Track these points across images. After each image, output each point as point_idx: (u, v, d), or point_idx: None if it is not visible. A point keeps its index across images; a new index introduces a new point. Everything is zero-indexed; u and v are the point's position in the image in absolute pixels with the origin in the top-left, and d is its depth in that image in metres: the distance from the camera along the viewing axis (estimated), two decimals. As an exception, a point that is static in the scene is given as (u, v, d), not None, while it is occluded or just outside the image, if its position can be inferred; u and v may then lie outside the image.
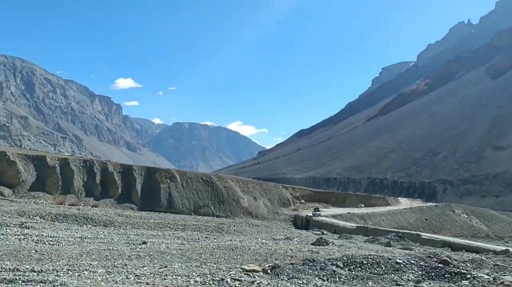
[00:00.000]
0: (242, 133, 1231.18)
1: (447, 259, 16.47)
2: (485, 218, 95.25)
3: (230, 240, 26.73)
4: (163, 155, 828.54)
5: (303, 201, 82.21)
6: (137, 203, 58.80)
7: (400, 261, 15.35)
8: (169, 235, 27.78)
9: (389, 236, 36.67)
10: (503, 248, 32.48)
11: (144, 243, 20.53)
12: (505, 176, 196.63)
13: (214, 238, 28.13)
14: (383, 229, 47.13)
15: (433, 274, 14.06)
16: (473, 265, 16.38)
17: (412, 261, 15.62)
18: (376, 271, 14.32)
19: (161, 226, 33.77)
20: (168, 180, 62.86)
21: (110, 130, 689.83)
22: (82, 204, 54.28)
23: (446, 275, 13.66)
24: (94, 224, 30.77)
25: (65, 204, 52.16)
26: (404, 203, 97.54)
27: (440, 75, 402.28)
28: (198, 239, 26.59)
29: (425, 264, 15.41)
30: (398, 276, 13.61)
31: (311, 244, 27.35)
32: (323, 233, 43.82)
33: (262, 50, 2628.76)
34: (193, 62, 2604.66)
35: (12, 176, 53.84)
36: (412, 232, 45.67)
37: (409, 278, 13.51)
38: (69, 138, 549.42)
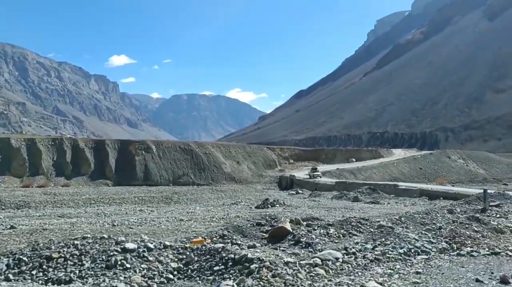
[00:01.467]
0: (241, 100, 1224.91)
1: (285, 226, 10.34)
2: (483, 162, 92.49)
3: (170, 212, 24.15)
4: (165, 128, 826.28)
5: (292, 161, 79.76)
6: (112, 179, 56.59)
7: (152, 247, 9.30)
8: (88, 211, 25.21)
9: (360, 190, 33.88)
10: (480, 190, 29.81)
11: (12, 227, 17.93)
12: (506, 118, 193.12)
13: (151, 210, 25.61)
14: (361, 182, 44.57)
15: (196, 265, 8.20)
16: (343, 231, 10.44)
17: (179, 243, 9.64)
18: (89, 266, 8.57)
19: (93, 202, 31.27)
20: (143, 152, 60.36)
21: (109, 109, 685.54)
22: (52, 185, 52.01)
23: (216, 268, 7.94)
24: (3, 207, 28.28)
25: (32, 186, 49.89)
26: (398, 153, 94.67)
27: (436, 22, 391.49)
28: (126, 213, 24.05)
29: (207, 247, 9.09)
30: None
31: (255, 207, 24.76)
32: (297, 192, 41.39)
33: (254, 13, 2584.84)
34: (186, 33, 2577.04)
35: (-26, 161, 51.51)
36: (389, 182, 43.18)
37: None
38: (69, 120, 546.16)
